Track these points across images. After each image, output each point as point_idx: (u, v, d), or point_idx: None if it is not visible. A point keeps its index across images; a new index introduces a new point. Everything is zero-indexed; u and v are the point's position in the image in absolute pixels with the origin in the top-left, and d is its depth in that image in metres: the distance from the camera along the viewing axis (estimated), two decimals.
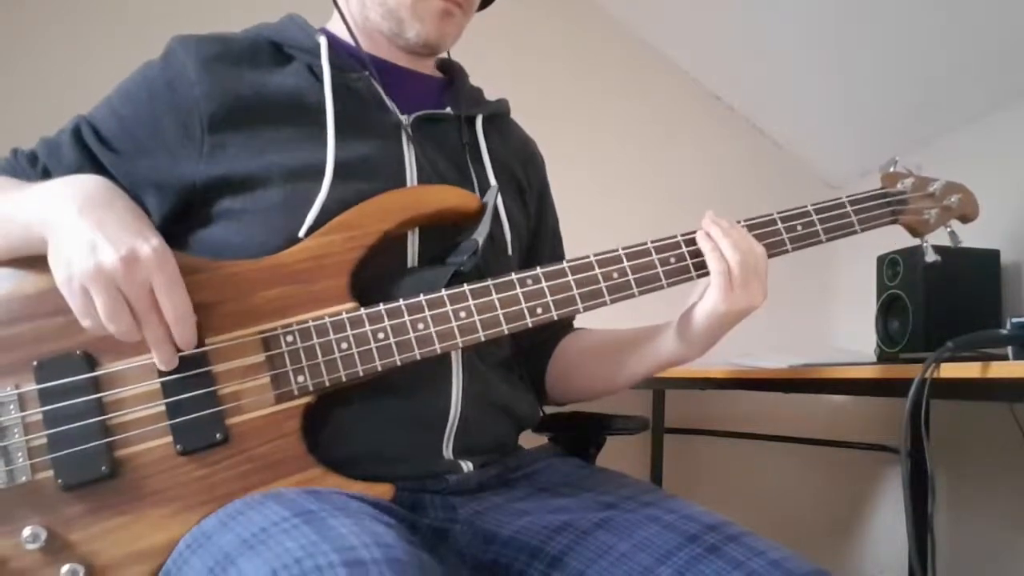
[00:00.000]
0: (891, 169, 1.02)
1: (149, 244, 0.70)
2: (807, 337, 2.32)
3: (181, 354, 0.73)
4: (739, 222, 0.90)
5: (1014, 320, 1.10)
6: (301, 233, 0.81)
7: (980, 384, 1.04)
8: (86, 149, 0.84)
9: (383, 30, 0.92)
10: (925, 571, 1.21)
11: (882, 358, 1.68)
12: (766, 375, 1.61)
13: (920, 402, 1.03)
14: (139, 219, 0.74)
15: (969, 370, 1.04)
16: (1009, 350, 1.10)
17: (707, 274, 0.86)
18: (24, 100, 1.78)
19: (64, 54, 1.88)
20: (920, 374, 1.04)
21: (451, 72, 1.03)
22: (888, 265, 1.67)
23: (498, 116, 1.04)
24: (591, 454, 1.08)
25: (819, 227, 0.93)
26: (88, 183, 0.74)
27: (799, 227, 0.92)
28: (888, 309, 1.67)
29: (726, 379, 1.75)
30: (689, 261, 0.87)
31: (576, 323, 1.09)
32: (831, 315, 2.37)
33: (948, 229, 1.03)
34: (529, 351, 1.04)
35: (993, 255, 1.64)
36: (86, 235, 0.69)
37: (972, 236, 1.62)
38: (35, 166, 0.84)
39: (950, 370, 1.05)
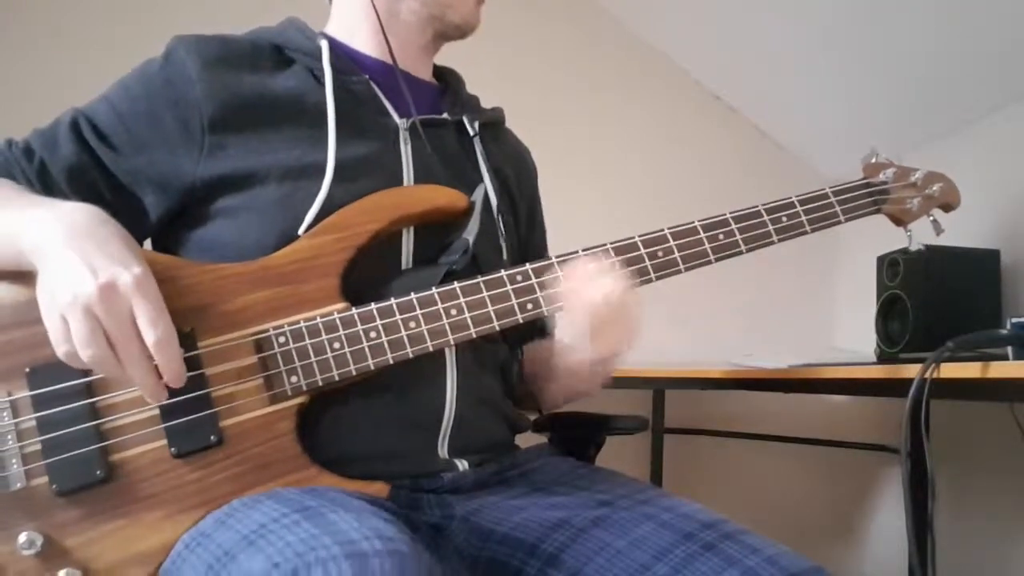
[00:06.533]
0: (872, 160, 1.02)
1: (130, 272, 0.68)
2: (807, 337, 2.32)
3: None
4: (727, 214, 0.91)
5: (1014, 320, 1.10)
6: (300, 231, 0.81)
7: (980, 384, 1.04)
8: (84, 144, 0.83)
9: (417, 17, 0.94)
10: (925, 571, 1.21)
11: (882, 358, 1.67)
12: (766, 375, 1.61)
13: (920, 402, 1.03)
14: (124, 247, 0.72)
15: (969, 370, 1.04)
16: (1009, 350, 1.10)
17: (678, 272, 0.88)
18: (23, 97, 1.78)
19: (62, 52, 1.88)
20: (920, 374, 1.04)
21: (447, 79, 1.04)
22: (888, 265, 1.67)
23: (494, 124, 1.05)
24: (591, 454, 1.08)
25: (804, 218, 0.94)
26: (77, 212, 0.73)
27: (784, 218, 0.93)
28: (888, 309, 1.67)
29: (726, 379, 1.75)
30: (677, 255, 0.88)
31: None
32: (831, 315, 2.37)
33: (931, 218, 1.03)
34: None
35: (993, 255, 1.64)
36: (69, 265, 0.68)
37: (972, 236, 1.63)
38: (31, 160, 0.83)
39: (950, 370, 1.05)
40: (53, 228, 0.71)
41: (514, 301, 0.83)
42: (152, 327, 0.68)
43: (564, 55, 2.32)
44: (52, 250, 0.69)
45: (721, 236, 0.90)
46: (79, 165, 0.83)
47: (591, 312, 0.82)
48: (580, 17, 2.35)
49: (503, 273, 0.84)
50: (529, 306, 0.83)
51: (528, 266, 0.84)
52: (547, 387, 0.99)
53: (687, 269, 0.89)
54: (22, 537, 0.68)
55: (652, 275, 0.88)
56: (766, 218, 0.92)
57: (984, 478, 1.79)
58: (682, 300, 0.89)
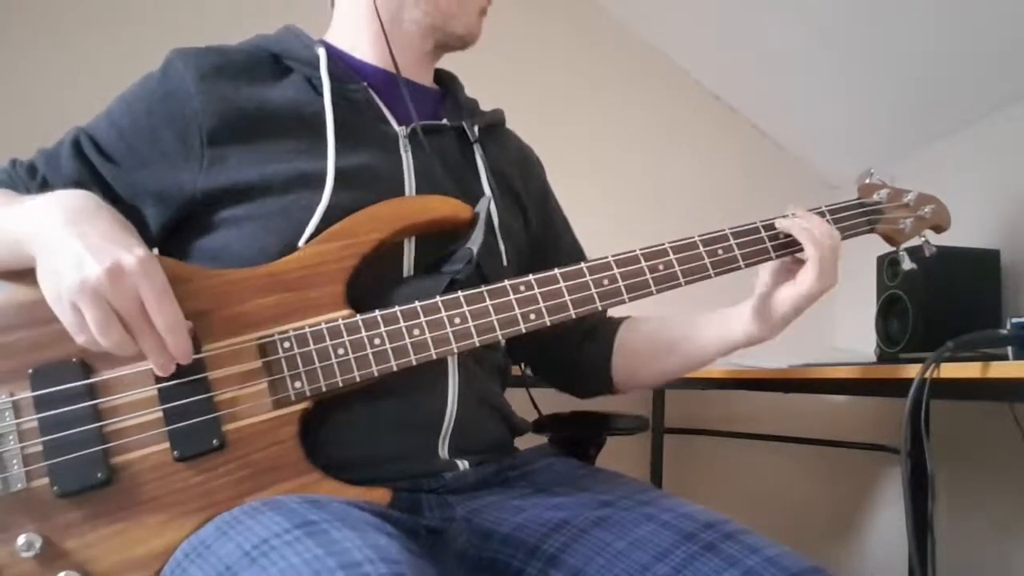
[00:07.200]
0: (867, 180, 1.04)
1: (133, 254, 0.69)
2: (807, 337, 2.31)
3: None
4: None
5: (1014, 320, 1.10)
6: (301, 241, 0.82)
7: (980, 384, 1.04)
8: (86, 161, 0.85)
9: (419, 27, 0.95)
10: (925, 571, 1.21)
11: (882, 358, 1.67)
12: (766, 375, 1.61)
13: (920, 402, 1.03)
14: (124, 230, 0.73)
15: (969, 370, 1.04)
16: (1009, 350, 1.10)
17: (678, 286, 0.89)
18: (23, 111, 1.78)
19: (63, 64, 1.88)
20: (920, 374, 1.04)
21: (446, 83, 1.04)
22: (888, 265, 1.67)
23: (495, 126, 1.05)
24: (591, 454, 1.09)
25: None
26: (73, 198, 0.74)
27: (782, 235, 0.93)
28: (888, 309, 1.67)
29: (726, 379, 1.75)
30: (677, 268, 0.89)
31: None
32: (831, 315, 2.37)
33: (922, 239, 1.04)
34: (587, 345, 1.06)
35: (993, 255, 1.64)
36: (71, 250, 0.68)
37: (972, 236, 1.63)
38: (34, 177, 0.85)
39: (950, 370, 1.05)
40: (50, 214, 0.71)
41: (517, 311, 0.83)
42: (159, 310, 0.69)
43: (564, 55, 2.32)
44: (51, 235, 0.70)
45: (720, 251, 0.91)
46: (80, 183, 0.84)
47: (828, 249, 0.90)
48: (580, 17, 2.35)
49: (507, 283, 0.84)
50: (532, 316, 0.84)
51: (531, 276, 0.85)
52: (694, 353, 1.02)
53: (687, 283, 0.90)
54: (21, 539, 0.68)
55: (652, 288, 0.88)
56: (764, 235, 0.93)
57: (984, 478, 1.79)
58: (681, 300, 0.90)
